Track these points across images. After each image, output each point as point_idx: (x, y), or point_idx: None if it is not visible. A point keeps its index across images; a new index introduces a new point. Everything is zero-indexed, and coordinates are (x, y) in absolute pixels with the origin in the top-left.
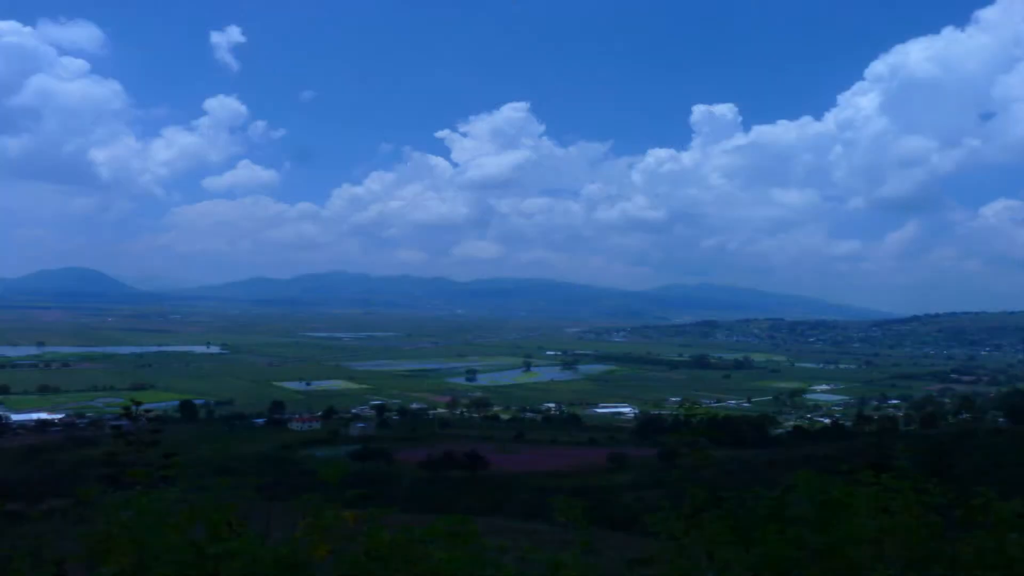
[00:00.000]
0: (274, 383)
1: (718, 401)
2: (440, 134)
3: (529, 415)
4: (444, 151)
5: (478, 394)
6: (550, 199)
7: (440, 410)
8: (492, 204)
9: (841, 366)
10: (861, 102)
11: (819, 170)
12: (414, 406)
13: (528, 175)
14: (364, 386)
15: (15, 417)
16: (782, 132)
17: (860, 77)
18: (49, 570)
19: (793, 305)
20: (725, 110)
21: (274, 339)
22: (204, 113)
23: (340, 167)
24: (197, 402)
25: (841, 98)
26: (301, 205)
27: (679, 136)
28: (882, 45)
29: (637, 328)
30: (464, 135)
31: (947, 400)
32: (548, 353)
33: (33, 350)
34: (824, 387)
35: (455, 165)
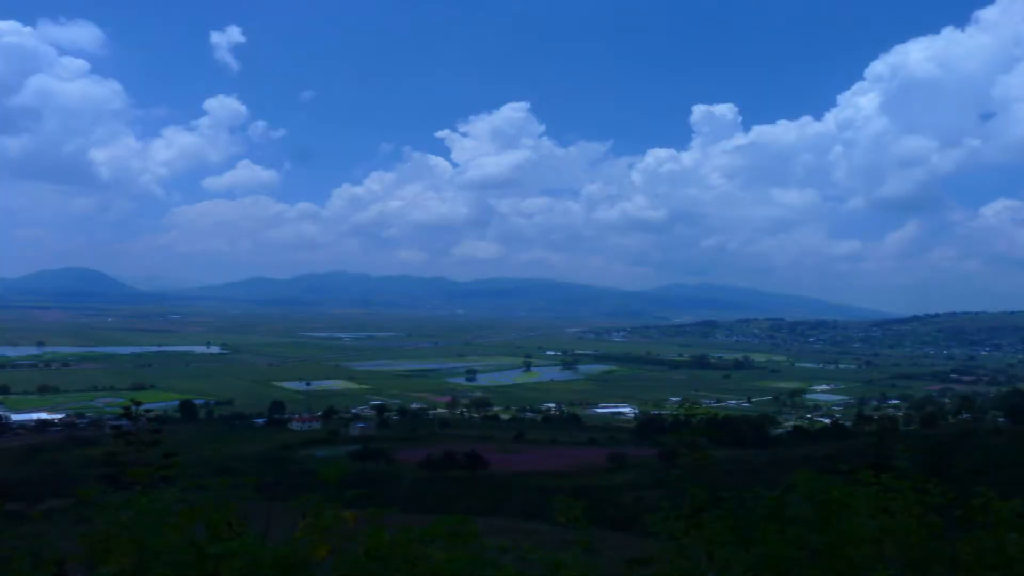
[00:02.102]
0: (274, 383)
1: (718, 401)
2: (440, 134)
3: (529, 415)
4: (444, 151)
5: (478, 394)
6: (550, 199)
7: (440, 410)
8: (492, 204)
9: (841, 366)
10: (861, 102)
11: (819, 170)
12: (414, 406)
13: (528, 175)
14: (364, 386)
15: (15, 417)
16: (782, 132)
17: (860, 77)
18: (49, 570)
19: (793, 305)
20: (725, 110)
21: (274, 339)
22: (204, 113)
23: (340, 167)
24: (197, 402)
25: (841, 98)
26: (301, 205)
27: (679, 136)
28: (882, 45)
29: (637, 328)
30: (464, 135)
31: (947, 400)
32: (548, 353)
33: (33, 350)
34: (824, 387)
35: (455, 165)
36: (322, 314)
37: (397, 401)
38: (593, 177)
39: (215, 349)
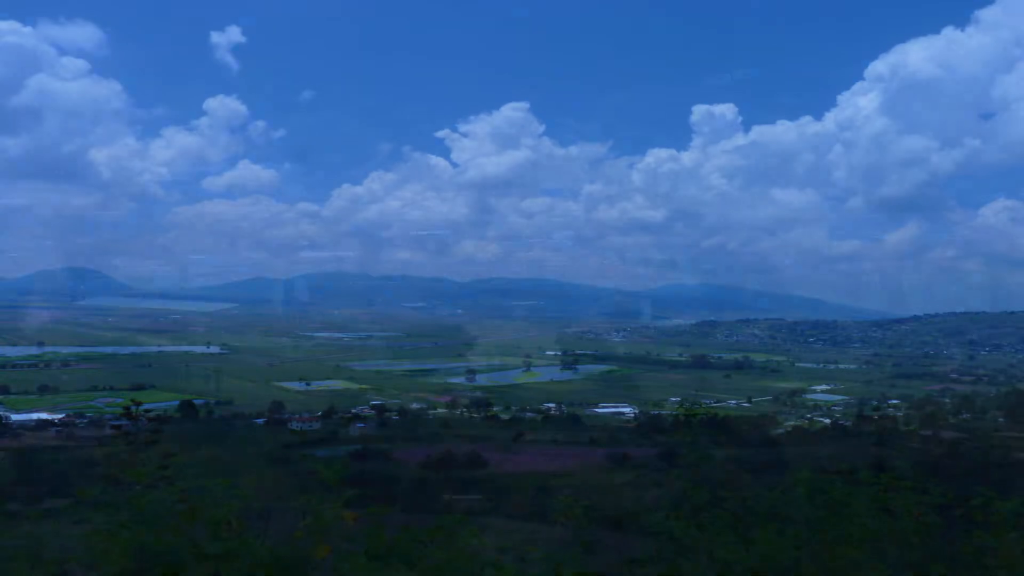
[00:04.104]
0: (274, 383)
1: (718, 401)
2: (440, 134)
3: (529, 415)
4: (444, 151)
5: (478, 394)
6: (550, 199)
7: (440, 410)
8: (492, 204)
9: (841, 366)
10: (861, 102)
11: (819, 170)
12: (414, 406)
13: (528, 175)
14: (364, 386)
15: (15, 417)
16: (782, 132)
17: (860, 77)
18: (49, 570)
19: (793, 305)
20: (725, 110)
21: (274, 339)
22: (204, 113)
23: (340, 167)
24: (197, 402)
25: (841, 98)
26: (301, 205)
27: (679, 136)
28: (882, 45)
29: (637, 328)
30: (464, 135)
31: (947, 400)
32: (548, 353)
33: (33, 350)
34: (824, 387)
35: (455, 165)
36: (322, 314)
37: (397, 401)
38: (593, 177)
39: (215, 349)
